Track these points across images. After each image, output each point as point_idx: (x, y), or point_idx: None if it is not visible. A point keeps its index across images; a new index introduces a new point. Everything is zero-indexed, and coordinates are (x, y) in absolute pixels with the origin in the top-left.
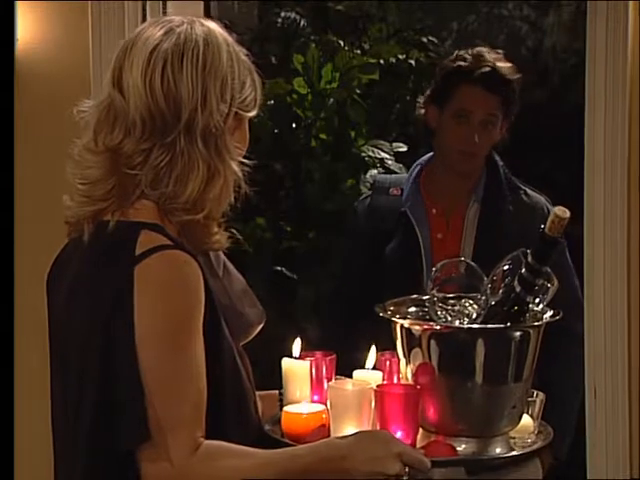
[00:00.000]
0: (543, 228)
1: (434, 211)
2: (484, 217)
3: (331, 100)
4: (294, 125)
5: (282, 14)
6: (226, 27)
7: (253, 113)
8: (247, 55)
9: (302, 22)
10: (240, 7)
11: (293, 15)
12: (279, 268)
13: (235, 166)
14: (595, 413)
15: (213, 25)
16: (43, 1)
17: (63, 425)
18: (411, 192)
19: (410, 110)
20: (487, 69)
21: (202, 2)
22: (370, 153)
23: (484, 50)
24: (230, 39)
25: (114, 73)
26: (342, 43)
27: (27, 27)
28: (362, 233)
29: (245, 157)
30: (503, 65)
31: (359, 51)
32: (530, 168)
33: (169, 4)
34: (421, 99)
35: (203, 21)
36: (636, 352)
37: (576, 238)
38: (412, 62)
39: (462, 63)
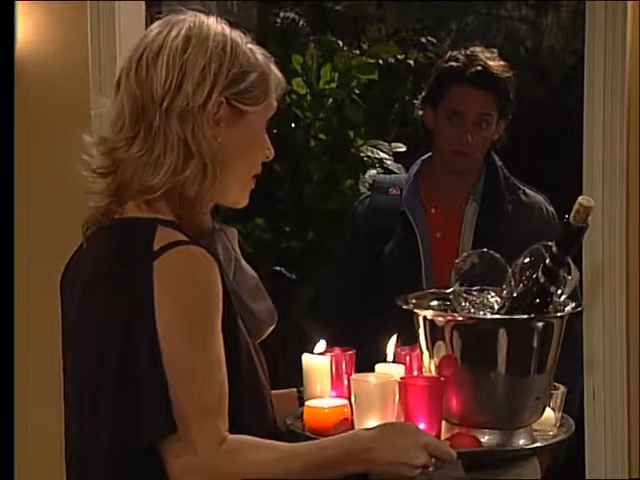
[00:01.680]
0: (567, 218)
1: (433, 210)
2: (482, 216)
3: (330, 100)
4: (293, 125)
5: (281, 14)
6: (237, 26)
7: (256, 108)
8: (264, 54)
9: (301, 22)
10: (239, 7)
11: (292, 15)
12: (278, 268)
13: (214, 153)
14: (594, 413)
15: (211, 19)
16: (43, 1)
17: (80, 427)
18: (410, 192)
19: (409, 110)
20: (478, 68)
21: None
22: (369, 153)
23: (478, 50)
24: (234, 34)
25: (119, 75)
26: (341, 43)
27: (27, 27)
28: (362, 233)
29: None
30: (495, 63)
31: (358, 51)
32: (528, 168)
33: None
34: (418, 100)
35: (202, 16)
36: (635, 353)
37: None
38: (411, 62)
39: (454, 63)
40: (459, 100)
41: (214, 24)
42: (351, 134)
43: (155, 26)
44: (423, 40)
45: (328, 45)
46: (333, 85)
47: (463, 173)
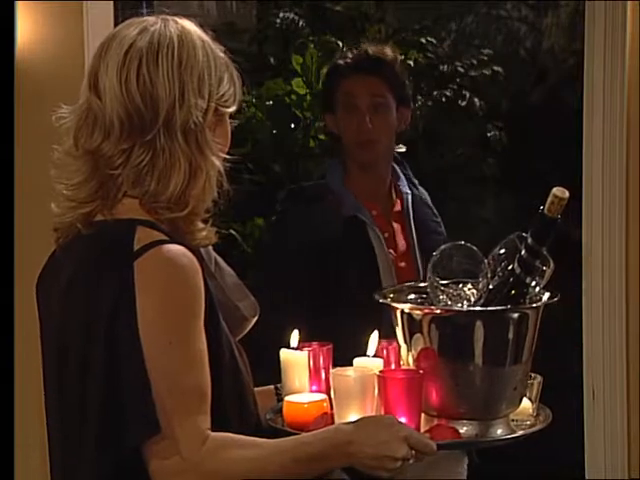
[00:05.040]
0: (542, 209)
1: (374, 212)
2: (413, 214)
3: None
4: (293, 125)
5: (281, 15)
6: (201, 26)
7: (233, 109)
8: (224, 52)
9: (301, 23)
10: (238, 8)
11: (292, 16)
12: None
13: (217, 162)
14: (593, 414)
15: (187, 23)
16: (43, 2)
17: (64, 430)
18: (348, 196)
19: None
20: (360, 54)
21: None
22: None
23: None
24: (205, 36)
25: (90, 77)
26: (340, 44)
27: (27, 27)
28: (307, 242)
29: (243, 157)
30: (377, 49)
31: None
32: (528, 168)
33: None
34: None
35: (177, 19)
36: (635, 353)
37: (574, 238)
38: (410, 63)
39: (340, 61)
40: (350, 91)
41: (194, 29)
42: None
43: (133, 31)
44: (423, 40)
45: (328, 45)
46: None
47: (374, 167)
